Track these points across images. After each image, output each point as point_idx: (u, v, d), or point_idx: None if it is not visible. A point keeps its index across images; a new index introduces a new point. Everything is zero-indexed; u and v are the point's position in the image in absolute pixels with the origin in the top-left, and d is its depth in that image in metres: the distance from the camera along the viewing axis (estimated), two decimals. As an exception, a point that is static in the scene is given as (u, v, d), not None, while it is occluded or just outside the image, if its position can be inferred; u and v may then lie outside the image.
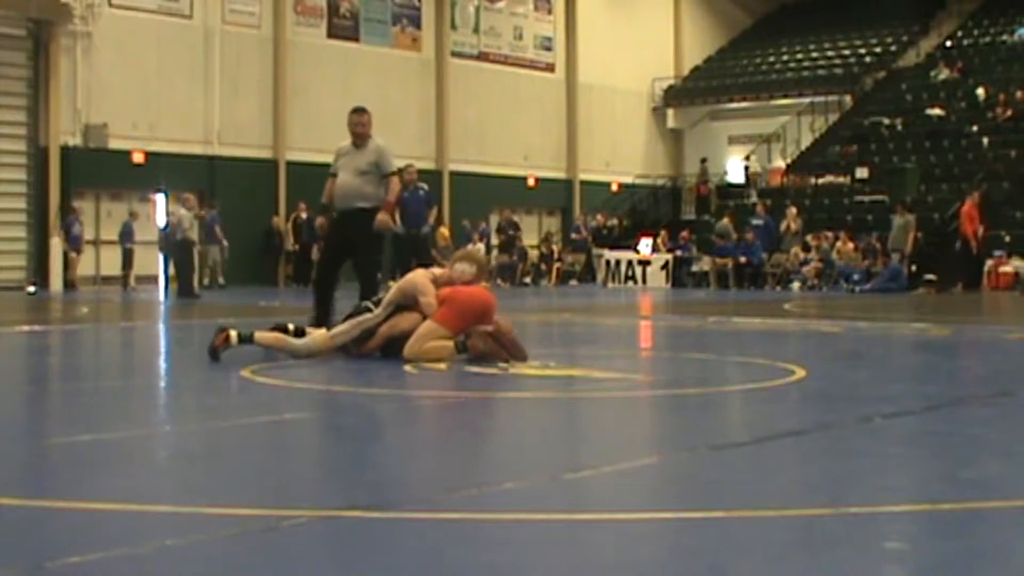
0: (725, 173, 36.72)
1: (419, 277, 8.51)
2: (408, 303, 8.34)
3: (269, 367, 7.81)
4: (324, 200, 10.07)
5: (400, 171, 16.31)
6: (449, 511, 3.66)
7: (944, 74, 33.79)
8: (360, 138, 9.78)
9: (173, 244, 21.65)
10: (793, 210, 26.93)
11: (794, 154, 33.99)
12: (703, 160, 34.82)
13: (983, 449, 4.96)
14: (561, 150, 35.63)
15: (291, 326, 8.51)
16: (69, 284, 24.62)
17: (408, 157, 31.06)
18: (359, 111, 9.88)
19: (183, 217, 21.24)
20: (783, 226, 26.59)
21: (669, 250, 28.21)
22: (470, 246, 28.83)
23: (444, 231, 29.82)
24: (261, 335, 8.37)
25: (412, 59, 31.91)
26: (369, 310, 8.33)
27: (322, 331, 8.41)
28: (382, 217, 9.70)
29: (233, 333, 8.22)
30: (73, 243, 24.95)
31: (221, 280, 25.51)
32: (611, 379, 7.51)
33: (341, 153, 9.86)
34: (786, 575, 3.04)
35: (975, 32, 36.92)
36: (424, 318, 8.24)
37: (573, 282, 30.02)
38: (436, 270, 8.86)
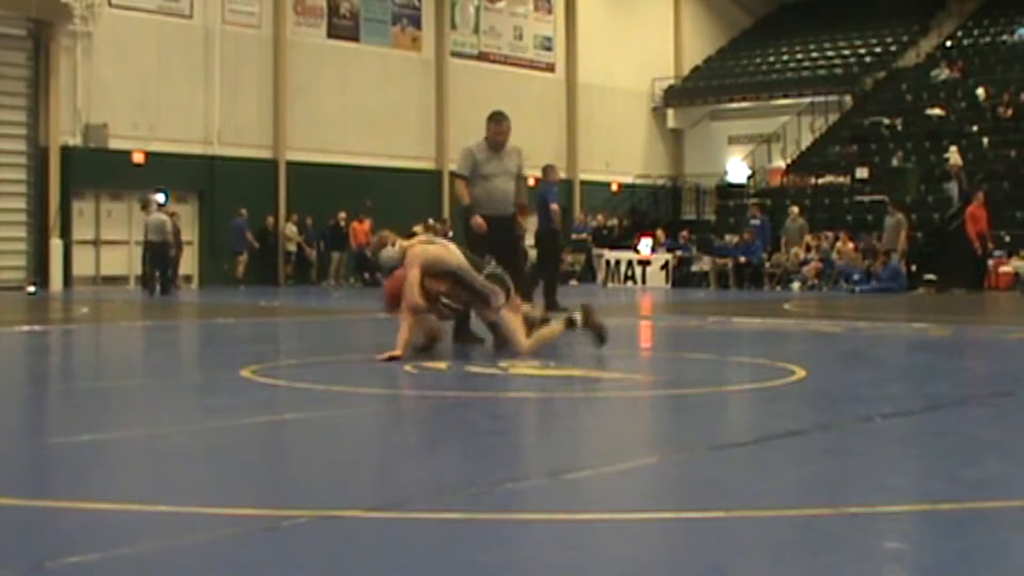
0: (725, 173, 36.70)
1: None
2: None
3: (269, 367, 7.81)
4: (467, 203, 9.90)
5: (548, 170, 16.91)
6: (449, 511, 3.66)
7: (944, 74, 33.76)
8: (501, 144, 9.97)
9: (155, 245, 22.98)
10: (795, 209, 26.90)
11: (794, 154, 33.98)
12: None
13: (983, 449, 4.96)
14: (561, 150, 35.58)
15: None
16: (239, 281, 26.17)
17: (408, 157, 31.27)
18: (501, 119, 9.96)
19: (163, 221, 22.93)
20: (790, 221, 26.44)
21: (668, 249, 28.20)
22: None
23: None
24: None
25: (412, 59, 31.89)
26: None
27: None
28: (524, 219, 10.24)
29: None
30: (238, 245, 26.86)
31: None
32: (611, 379, 7.51)
33: (481, 158, 9.86)
34: (786, 575, 3.04)
35: (975, 32, 36.90)
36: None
37: (573, 282, 29.98)
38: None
